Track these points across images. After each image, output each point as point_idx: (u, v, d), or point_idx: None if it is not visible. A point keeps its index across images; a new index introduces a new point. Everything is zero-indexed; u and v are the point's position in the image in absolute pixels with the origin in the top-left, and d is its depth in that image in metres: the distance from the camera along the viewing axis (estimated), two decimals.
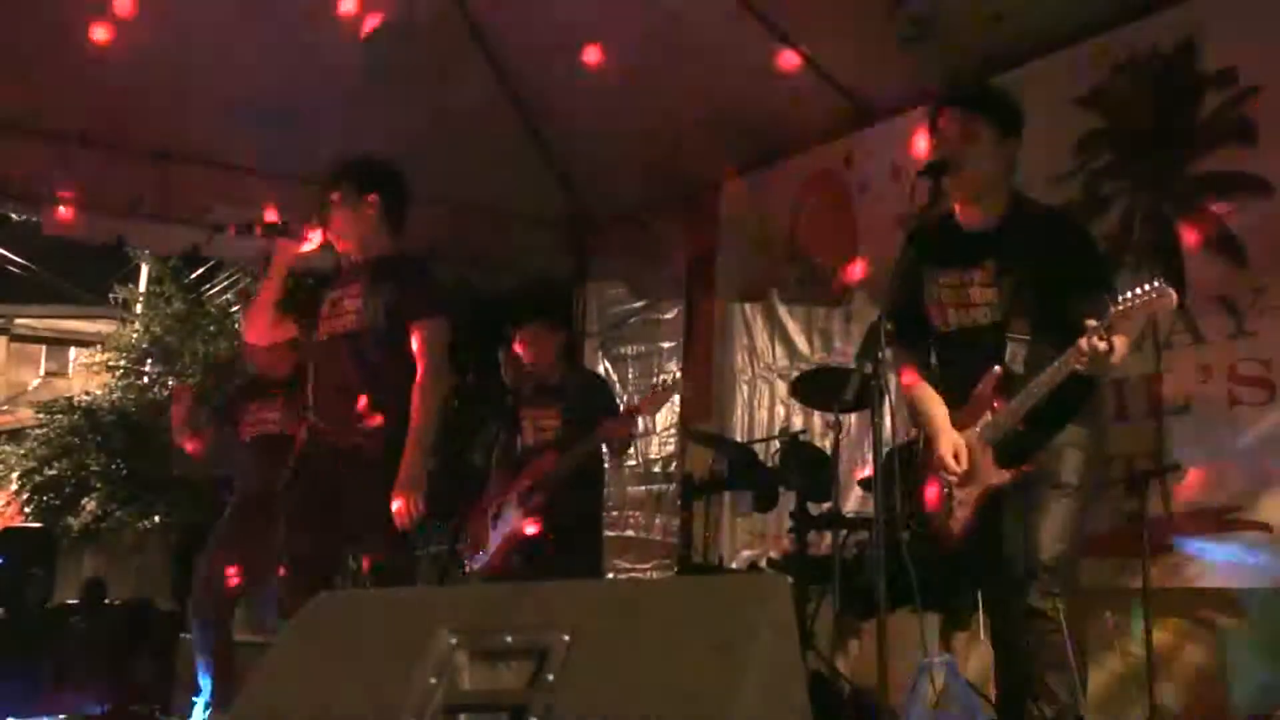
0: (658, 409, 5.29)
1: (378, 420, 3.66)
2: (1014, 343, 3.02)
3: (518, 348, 4.87)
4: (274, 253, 3.86)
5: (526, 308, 4.92)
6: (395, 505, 3.54)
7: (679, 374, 6.24)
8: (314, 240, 3.83)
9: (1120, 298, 2.79)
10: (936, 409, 3.19)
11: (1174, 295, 2.74)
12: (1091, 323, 2.80)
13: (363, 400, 3.67)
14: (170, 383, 12.97)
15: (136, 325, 13.85)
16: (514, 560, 4.63)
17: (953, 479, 3.10)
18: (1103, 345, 2.79)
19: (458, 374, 5.30)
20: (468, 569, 4.85)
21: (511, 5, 5.59)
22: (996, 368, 3.02)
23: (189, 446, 4.95)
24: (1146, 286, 2.74)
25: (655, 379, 6.43)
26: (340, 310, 3.78)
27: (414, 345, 3.71)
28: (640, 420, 5.27)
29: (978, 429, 3.07)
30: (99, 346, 15.03)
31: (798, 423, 5.48)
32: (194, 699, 4.52)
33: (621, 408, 5.08)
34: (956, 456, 3.07)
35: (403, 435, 3.64)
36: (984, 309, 3.11)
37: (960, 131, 3.14)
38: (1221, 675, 3.85)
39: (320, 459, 3.75)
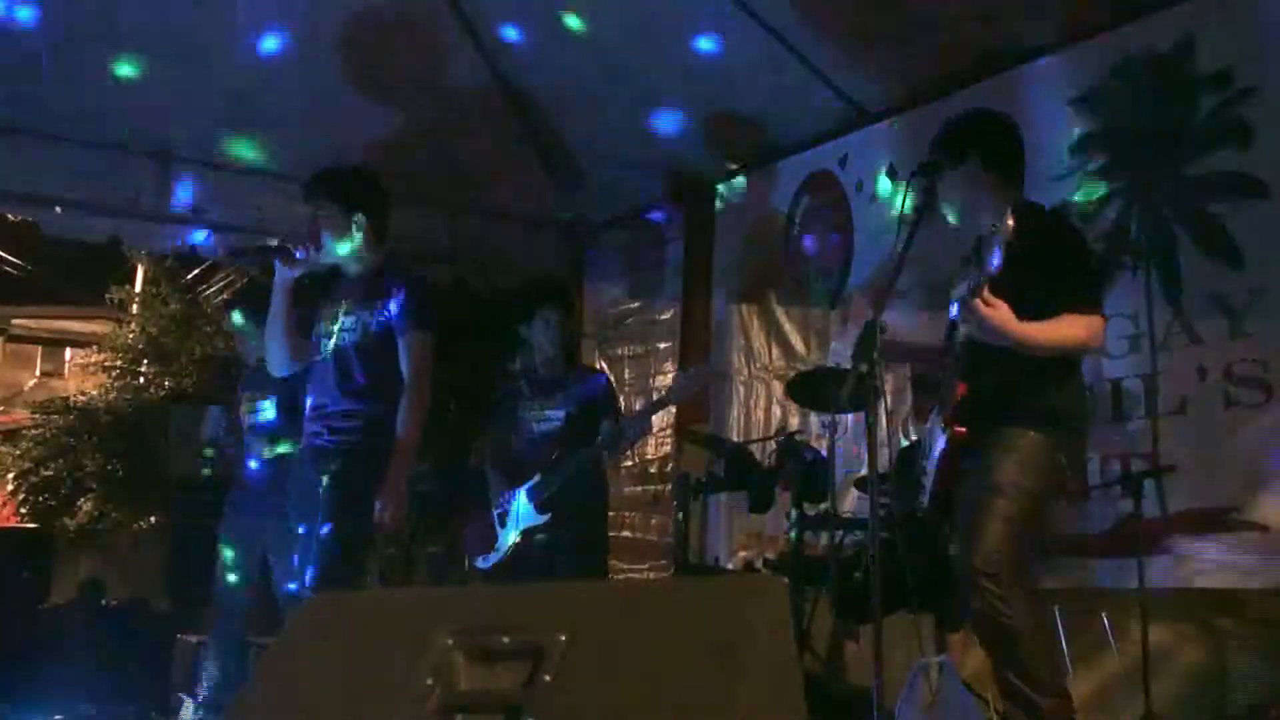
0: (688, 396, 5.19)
1: (357, 426, 3.77)
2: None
3: (537, 333, 4.86)
4: (276, 279, 3.87)
5: (541, 294, 4.91)
6: (377, 514, 3.67)
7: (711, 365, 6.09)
8: (308, 258, 3.81)
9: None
10: None
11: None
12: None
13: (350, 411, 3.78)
14: (166, 383, 12.93)
15: (133, 326, 13.77)
16: (527, 556, 4.61)
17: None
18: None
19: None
20: (478, 567, 4.82)
21: (508, 4, 5.59)
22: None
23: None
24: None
25: (652, 379, 6.43)
26: (334, 328, 3.85)
27: (401, 358, 3.79)
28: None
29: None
30: (95, 347, 14.95)
31: (794, 423, 5.49)
32: (183, 697, 4.50)
33: (622, 405, 5.07)
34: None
35: (378, 439, 3.73)
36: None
37: (963, 190, 3.22)
38: (1218, 676, 3.85)
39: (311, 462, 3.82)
